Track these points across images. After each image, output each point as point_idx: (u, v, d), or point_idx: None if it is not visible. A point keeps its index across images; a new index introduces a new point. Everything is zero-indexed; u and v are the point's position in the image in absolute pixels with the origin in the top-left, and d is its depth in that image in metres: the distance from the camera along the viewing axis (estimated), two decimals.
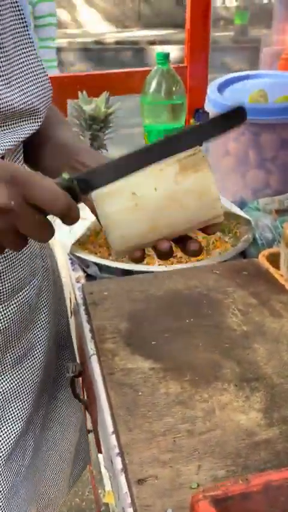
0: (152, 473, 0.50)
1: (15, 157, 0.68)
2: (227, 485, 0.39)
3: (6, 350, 0.71)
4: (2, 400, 0.72)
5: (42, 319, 0.78)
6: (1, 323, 0.68)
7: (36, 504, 0.85)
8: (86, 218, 0.95)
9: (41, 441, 0.83)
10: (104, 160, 0.68)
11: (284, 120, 1.01)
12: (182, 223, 0.54)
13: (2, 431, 0.73)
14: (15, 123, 0.63)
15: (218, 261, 0.89)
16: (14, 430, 0.74)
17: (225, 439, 0.53)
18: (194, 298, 0.76)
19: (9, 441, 0.73)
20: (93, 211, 0.57)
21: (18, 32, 0.63)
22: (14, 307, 0.70)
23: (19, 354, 0.73)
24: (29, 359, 0.75)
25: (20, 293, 0.70)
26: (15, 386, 0.74)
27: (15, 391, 0.74)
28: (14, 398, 0.74)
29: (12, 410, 0.74)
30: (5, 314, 0.68)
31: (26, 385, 0.75)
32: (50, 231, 0.50)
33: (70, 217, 0.49)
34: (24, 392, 0.75)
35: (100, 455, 0.72)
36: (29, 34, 0.64)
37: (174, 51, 1.50)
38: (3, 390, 0.72)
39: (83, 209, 1.02)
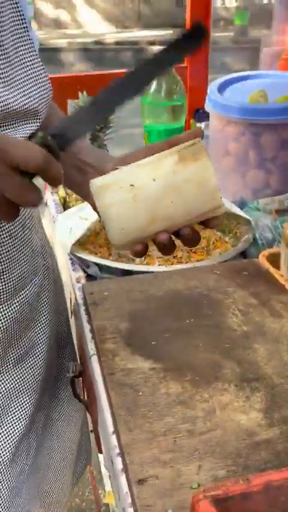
0: (153, 473, 0.50)
1: None
2: (227, 485, 0.39)
3: (8, 349, 0.71)
4: (4, 399, 0.72)
5: (43, 318, 0.78)
6: (3, 322, 0.68)
7: (40, 502, 0.85)
8: (86, 218, 0.95)
9: (44, 440, 0.83)
10: (105, 157, 0.68)
11: (284, 120, 1.01)
12: (181, 215, 0.53)
13: (5, 430, 0.73)
14: (15, 123, 0.63)
15: (218, 261, 0.89)
16: (17, 429, 0.74)
17: (225, 439, 0.53)
18: (194, 298, 0.76)
19: (13, 440, 0.73)
20: (94, 207, 0.57)
21: (19, 33, 0.63)
22: (15, 306, 0.70)
23: (20, 352, 0.73)
24: (30, 358, 0.76)
25: (22, 292, 0.71)
26: (17, 386, 0.74)
27: (17, 390, 0.74)
28: (16, 397, 0.74)
29: (15, 409, 0.74)
30: (6, 313, 0.68)
31: (27, 384, 0.75)
32: (36, 193, 0.49)
33: (51, 173, 0.49)
34: (26, 391, 0.75)
35: (100, 456, 0.72)
36: (29, 35, 0.64)
37: None
38: (5, 389, 0.72)
39: (83, 209, 1.03)
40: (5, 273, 0.67)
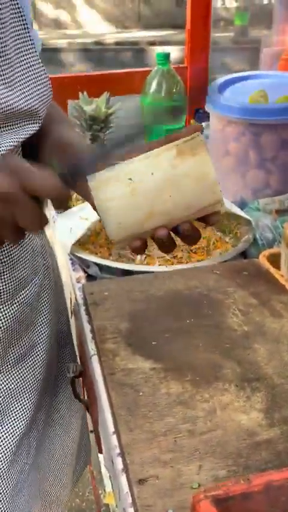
0: (153, 473, 0.50)
1: None
2: (228, 485, 0.39)
3: (8, 349, 0.71)
4: (4, 398, 0.72)
5: (44, 318, 0.78)
6: (3, 322, 0.68)
7: (41, 502, 0.85)
8: (86, 218, 0.95)
9: (44, 439, 0.83)
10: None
11: (284, 120, 1.01)
12: (180, 210, 0.52)
13: (6, 430, 0.73)
14: (16, 124, 0.63)
15: (218, 261, 0.89)
16: (17, 428, 0.74)
17: (226, 439, 0.53)
18: (195, 298, 0.76)
19: (14, 440, 0.74)
20: (92, 204, 0.57)
21: (19, 34, 0.63)
22: (16, 306, 0.70)
23: (21, 352, 0.73)
24: (30, 357, 0.76)
25: (22, 292, 0.71)
26: (17, 385, 0.74)
27: (17, 390, 0.74)
28: (17, 397, 0.74)
29: (15, 409, 0.74)
30: (7, 313, 0.69)
31: (28, 384, 0.75)
32: (45, 221, 0.51)
33: (63, 204, 0.51)
34: (26, 390, 0.75)
35: (100, 456, 0.72)
36: (29, 35, 0.64)
37: (174, 52, 1.50)
38: (5, 389, 0.72)
39: (83, 209, 1.03)
40: (5, 273, 0.67)
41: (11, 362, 0.72)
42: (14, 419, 0.74)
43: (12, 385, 0.73)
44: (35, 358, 0.76)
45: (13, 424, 0.74)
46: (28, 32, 0.64)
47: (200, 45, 1.47)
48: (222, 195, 0.53)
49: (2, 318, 0.68)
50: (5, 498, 0.73)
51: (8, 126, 0.61)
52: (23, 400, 0.75)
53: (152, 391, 0.59)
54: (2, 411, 0.73)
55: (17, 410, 0.74)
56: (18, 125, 0.63)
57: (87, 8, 9.75)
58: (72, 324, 0.91)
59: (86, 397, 0.84)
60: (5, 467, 0.73)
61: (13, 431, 0.74)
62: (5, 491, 0.73)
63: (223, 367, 0.63)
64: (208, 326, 0.70)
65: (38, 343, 0.77)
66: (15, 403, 0.74)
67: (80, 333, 0.80)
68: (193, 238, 0.56)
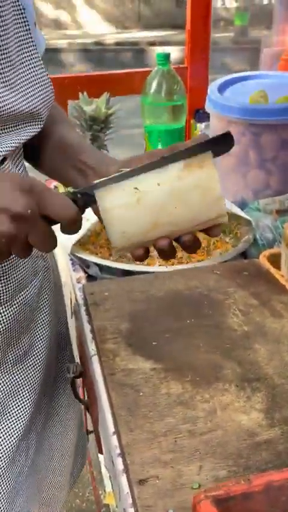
0: (153, 474, 0.50)
1: (15, 157, 0.68)
2: (228, 486, 0.39)
3: (8, 349, 0.71)
4: (3, 399, 0.72)
5: (43, 319, 0.78)
6: (3, 323, 0.68)
7: (39, 503, 0.85)
8: (87, 219, 0.95)
9: (43, 440, 0.83)
10: (106, 160, 0.68)
11: (285, 120, 1.01)
12: (184, 221, 0.52)
13: (4, 430, 0.73)
14: (18, 125, 0.63)
15: (218, 261, 0.89)
16: (16, 429, 0.74)
17: (226, 439, 0.53)
18: (195, 298, 0.76)
19: (13, 441, 0.73)
20: (96, 212, 0.57)
21: (21, 36, 0.63)
22: (15, 307, 0.70)
23: (20, 353, 0.73)
24: (29, 358, 0.76)
25: (22, 293, 0.71)
26: (16, 386, 0.74)
27: (16, 391, 0.74)
28: (16, 398, 0.74)
29: (14, 409, 0.74)
30: (7, 314, 0.69)
31: (27, 384, 0.75)
32: (55, 242, 0.53)
33: (74, 228, 0.52)
34: (25, 391, 0.75)
35: (101, 456, 0.72)
36: (31, 38, 0.64)
37: (174, 52, 1.50)
38: (4, 389, 0.72)
39: None
40: (5, 274, 0.67)
41: (10, 363, 0.72)
42: (13, 420, 0.74)
43: (11, 386, 0.73)
44: (34, 359, 0.76)
45: (12, 425, 0.74)
46: (30, 34, 0.64)
47: (200, 46, 1.47)
48: (226, 210, 0.53)
49: (1, 318, 0.68)
50: (3, 499, 0.73)
51: (9, 127, 0.61)
52: (22, 401, 0.75)
53: (152, 392, 0.59)
54: (0, 412, 0.73)
55: (16, 411, 0.74)
56: (20, 127, 0.63)
57: (87, 8, 9.75)
58: (72, 324, 0.91)
59: (86, 398, 0.84)
60: (3, 468, 0.73)
61: (12, 432, 0.74)
62: (3, 492, 0.73)
63: (223, 368, 0.63)
64: (208, 326, 0.70)
65: (37, 344, 0.77)
66: (14, 404, 0.74)
67: (80, 333, 0.80)
68: (194, 247, 0.56)
